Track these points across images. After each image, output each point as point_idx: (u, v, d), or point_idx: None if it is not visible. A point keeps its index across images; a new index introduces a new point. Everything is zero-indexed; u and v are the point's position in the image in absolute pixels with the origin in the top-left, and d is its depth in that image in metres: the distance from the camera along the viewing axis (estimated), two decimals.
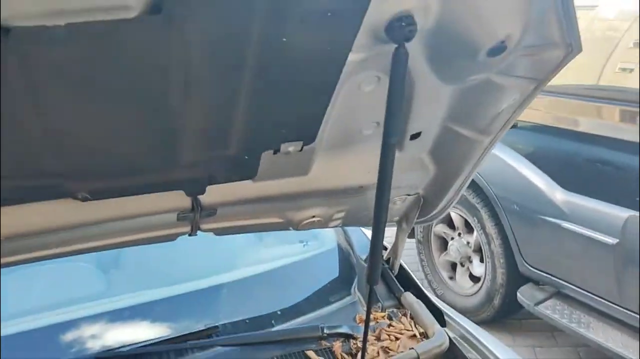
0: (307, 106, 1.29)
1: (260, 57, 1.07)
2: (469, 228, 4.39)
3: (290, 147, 1.38)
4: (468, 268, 4.45)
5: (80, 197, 1.29)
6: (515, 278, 3.99)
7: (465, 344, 1.85)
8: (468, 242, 4.39)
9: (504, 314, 4.16)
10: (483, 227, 4.12)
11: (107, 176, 1.26)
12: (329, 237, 2.26)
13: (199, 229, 1.61)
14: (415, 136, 1.57)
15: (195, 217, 1.54)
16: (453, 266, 4.54)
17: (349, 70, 1.23)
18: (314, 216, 1.72)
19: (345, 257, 2.20)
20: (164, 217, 1.51)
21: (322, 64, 1.17)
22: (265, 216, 1.67)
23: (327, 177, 1.60)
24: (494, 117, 1.48)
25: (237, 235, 2.17)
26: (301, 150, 1.41)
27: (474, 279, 4.39)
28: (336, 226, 1.85)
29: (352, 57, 1.18)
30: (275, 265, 2.10)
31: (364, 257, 2.12)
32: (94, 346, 1.78)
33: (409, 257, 3.71)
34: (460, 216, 4.37)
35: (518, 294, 3.90)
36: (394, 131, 1.23)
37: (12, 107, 0.98)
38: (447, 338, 1.82)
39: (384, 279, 2.07)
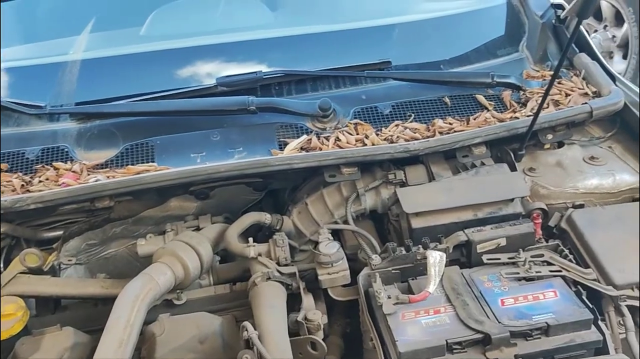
0: None
1: None
2: (618, 20, 4.05)
3: None
4: None
5: None
6: None
7: (636, 111, 1.80)
8: (614, 36, 4.09)
9: None
10: (638, 20, 3.79)
11: None
12: None
13: None
14: None
15: None
16: None
17: None
18: None
19: (515, 14, 2.10)
20: None
21: None
22: None
23: None
24: None
25: None
26: None
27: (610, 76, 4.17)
28: None
29: None
30: (445, 13, 2.05)
31: (539, 13, 2.01)
32: (268, 67, 1.87)
33: None
34: (613, 5, 4.01)
35: None
36: None
37: None
38: (623, 98, 1.78)
39: (557, 38, 1.98)
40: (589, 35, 1.98)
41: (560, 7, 2.01)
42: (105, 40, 1.95)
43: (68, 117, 1.72)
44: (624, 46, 4.05)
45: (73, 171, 1.55)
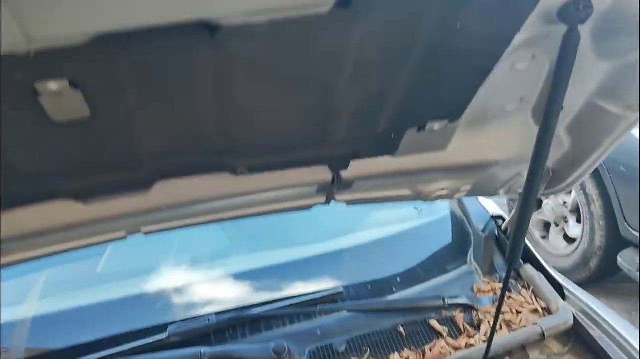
0: (460, 87, 1.27)
1: (429, 43, 1.06)
2: None
3: (436, 125, 1.38)
4: (563, 228, 4.34)
5: (238, 172, 1.35)
6: (615, 241, 3.87)
7: (587, 321, 1.83)
8: (564, 202, 4.27)
9: (599, 277, 4.07)
10: (583, 188, 3.99)
11: (265, 152, 1.30)
12: (442, 205, 2.25)
13: (334, 199, 1.64)
14: None
15: (333, 189, 1.57)
16: (546, 226, 4.45)
17: (508, 50, 1.19)
18: (443, 189, 1.71)
19: (459, 225, 2.20)
20: (305, 189, 1.56)
21: (486, 47, 1.14)
22: (397, 188, 1.68)
23: (463, 153, 1.58)
24: None
25: None
26: (445, 128, 1.40)
27: (569, 239, 4.29)
28: (461, 196, 1.84)
29: (515, 38, 1.15)
30: (392, 231, 2.13)
31: (481, 227, 2.11)
32: (220, 306, 1.88)
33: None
34: None
35: (619, 258, 3.79)
36: (555, 113, 1.20)
37: (198, 95, 1.03)
38: (572, 314, 1.81)
39: (502, 250, 2.05)
40: (532, 247, 2.05)
41: (500, 218, 2.11)
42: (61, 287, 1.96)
43: None
44: (576, 211, 4.22)
45: None
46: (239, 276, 1.97)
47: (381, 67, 1.10)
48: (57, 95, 0.95)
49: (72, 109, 1.00)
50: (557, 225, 4.37)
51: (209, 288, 1.94)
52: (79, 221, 1.40)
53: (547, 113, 1.20)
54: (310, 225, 2.17)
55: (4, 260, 1.46)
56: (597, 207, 3.93)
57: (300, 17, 0.88)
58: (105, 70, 0.93)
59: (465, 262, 2.08)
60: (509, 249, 1.48)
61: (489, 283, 1.99)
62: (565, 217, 4.30)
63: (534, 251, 2.05)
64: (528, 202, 1.37)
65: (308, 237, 2.12)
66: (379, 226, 2.17)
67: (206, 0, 0.80)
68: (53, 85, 0.93)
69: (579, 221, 4.21)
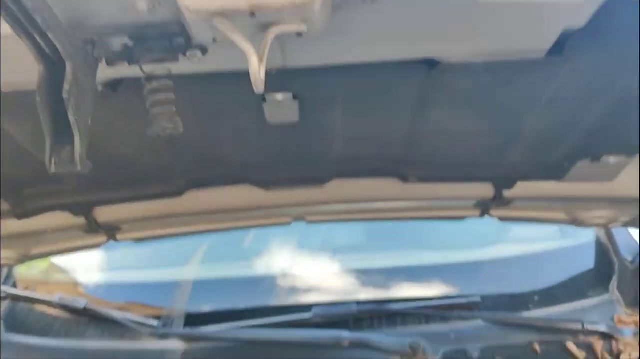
0: None
1: (627, 86, 1.07)
2: None
3: (612, 158, 1.37)
4: None
5: (409, 180, 1.45)
6: None
7: None
8: None
9: None
10: None
11: (440, 166, 1.38)
12: (587, 230, 2.21)
13: (488, 214, 1.69)
14: None
15: (491, 205, 1.62)
16: None
17: None
18: (601, 217, 1.70)
19: (603, 252, 2.14)
20: (463, 202, 1.62)
21: None
22: (554, 212, 1.69)
23: (631, 186, 1.56)
24: None
25: None
26: (619, 161, 1.39)
27: None
28: (616, 226, 1.81)
29: None
30: (534, 249, 2.13)
31: (629, 258, 2.05)
32: (360, 296, 2.00)
33: None
34: None
35: None
36: None
37: (396, 113, 1.13)
38: None
39: None
40: None
41: None
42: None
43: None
44: None
45: None
46: (381, 271, 2.07)
47: (570, 105, 1.14)
48: (279, 103, 1.09)
49: (286, 115, 1.14)
50: None
51: (351, 277, 2.06)
52: (256, 205, 1.56)
53: None
54: (455, 231, 2.22)
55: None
56: None
57: (513, 60, 0.95)
58: (324, 88, 1.06)
59: (607, 291, 2.04)
60: None
61: (631, 315, 1.94)
62: None
63: None
64: None
65: (451, 243, 2.17)
66: (522, 242, 2.18)
67: (437, 43, 0.90)
68: (280, 97, 1.07)
69: None
